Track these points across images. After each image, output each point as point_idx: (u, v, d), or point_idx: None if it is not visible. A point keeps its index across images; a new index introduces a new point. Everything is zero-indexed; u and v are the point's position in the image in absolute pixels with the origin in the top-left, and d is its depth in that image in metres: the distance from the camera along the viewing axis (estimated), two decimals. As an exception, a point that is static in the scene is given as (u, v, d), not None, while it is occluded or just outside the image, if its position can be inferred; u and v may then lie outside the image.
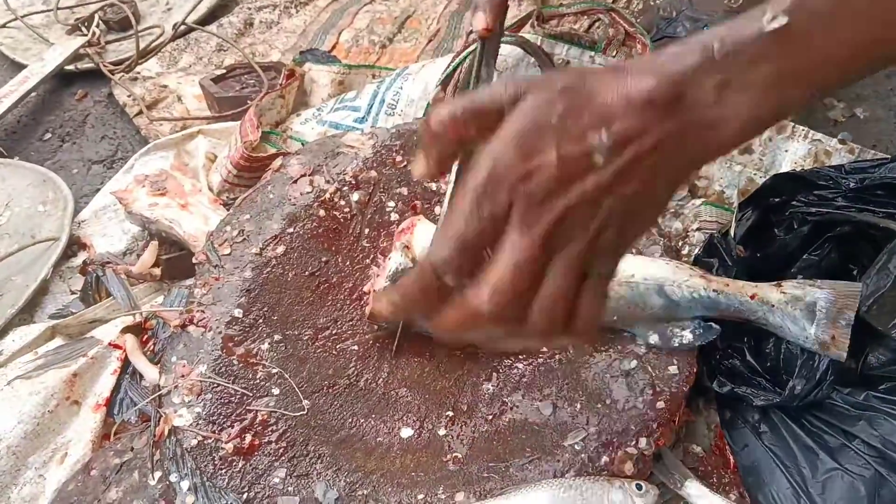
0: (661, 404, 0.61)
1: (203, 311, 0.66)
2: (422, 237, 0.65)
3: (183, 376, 0.62)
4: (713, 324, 0.62)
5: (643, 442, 0.59)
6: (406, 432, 0.63)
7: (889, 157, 0.70)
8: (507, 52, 0.84)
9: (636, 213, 0.46)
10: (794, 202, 0.70)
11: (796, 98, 0.46)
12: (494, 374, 0.66)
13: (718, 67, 0.43)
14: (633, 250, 0.67)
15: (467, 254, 0.43)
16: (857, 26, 0.44)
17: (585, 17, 0.93)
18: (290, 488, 0.59)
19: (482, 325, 0.45)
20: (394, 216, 0.73)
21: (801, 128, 0.81)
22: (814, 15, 0.44)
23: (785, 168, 0.79)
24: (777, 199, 0.71)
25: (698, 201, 0.79)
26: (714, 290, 0.60)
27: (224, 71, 1.02)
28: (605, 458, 0.59)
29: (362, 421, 0.64)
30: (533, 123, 0.44)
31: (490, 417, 0.64)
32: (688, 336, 0.62)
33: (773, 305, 0.59)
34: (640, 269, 0.63)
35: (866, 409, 0.57)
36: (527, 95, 0.44)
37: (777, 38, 0.44)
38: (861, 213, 0.67)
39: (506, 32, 0.82)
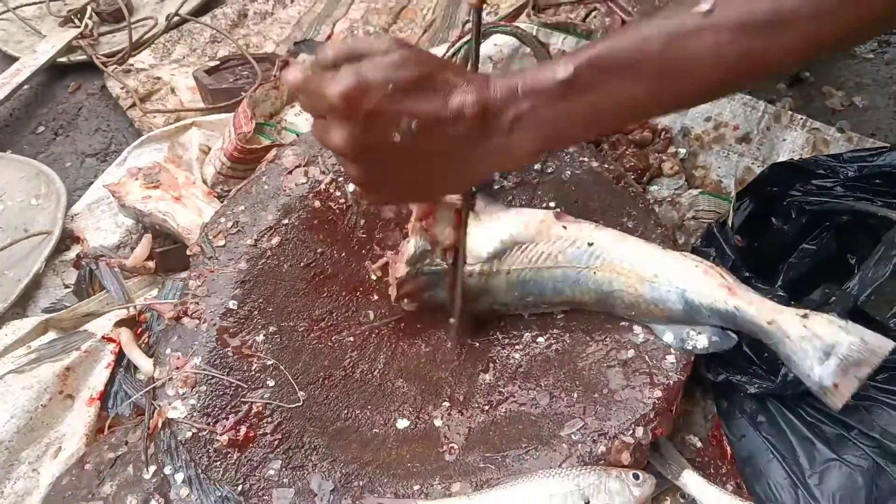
0: (658, 394, 0.60)
1: (197, 303, 0.65)
2: (443, 220, 0.65)
3: (177, 368, 0.62)
4: (731, 333, 0.60)
5: (640, 432, 0.59)
6: (402, 423, 0.63)
7: (888, 145, 0.70)
8: (503, 42, 0.84)
9: (421, 181, 0.54)
10: (792, 192, 0.69)
11: (575, 137, 0.58)
12: (491, 364, 0.66)
13: (517, 104, 0.52)
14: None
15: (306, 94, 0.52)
16: (637, 84, 0.51)
17: (582, 6, 0.92)
18: (285, 480, 0.58)
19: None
20: (388, 208, 0.73)
21: (800, 116, 0.80)
22: (598, 71, 0.52)
23: (783, 157, 0.79)
24: (775, 189, 0.70)
25: (695, 191, 0.79)
26: (735, 306, 0.57)
27: (218, 62, 1.01)
28: (602, 448, 0.59)
29: (358, 412, 0.63)
30: (371, 76, 0.50)
31: (487, 408, 0.64)
32: (703, 342, 0.60)
33: (788, 337, 0.55)
34: (665, 271, 0.61)
35: (864, 400, 0.56)
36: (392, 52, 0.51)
37: (564, 86, 0.52)
38: (859, 203, 0.67)
39: (501, 22, 0.81)
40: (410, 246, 0.63)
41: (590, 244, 0.63)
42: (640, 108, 0.54)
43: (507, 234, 0.64)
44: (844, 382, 0.53)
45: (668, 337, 0.62)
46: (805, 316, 0.55)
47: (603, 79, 0.51)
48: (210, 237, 0.69)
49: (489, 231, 0.64)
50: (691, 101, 0.58)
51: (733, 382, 0.61)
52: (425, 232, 0.63)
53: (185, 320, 0.64)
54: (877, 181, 0.67)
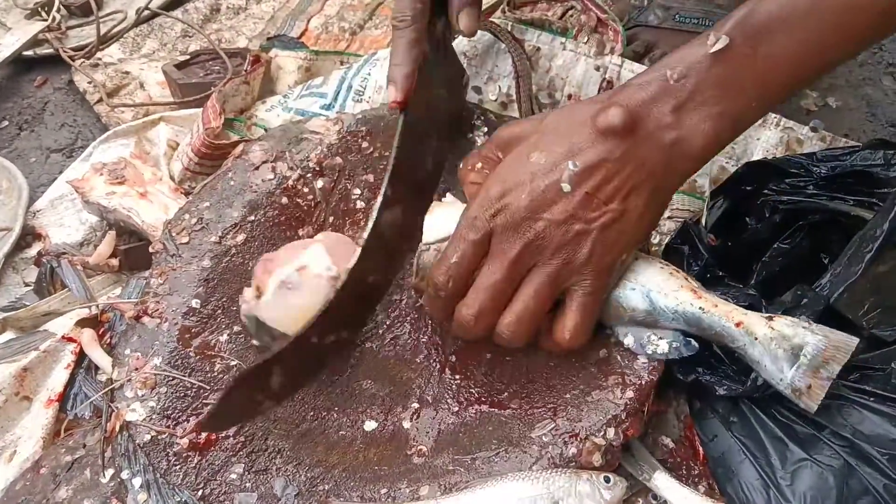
0: (630, 394, 0.60)
1: (159, 302, 0.63)
2: (436, 219, 0.63)
3: (136, 369, 0.60)
4: (692, 340, 0.59)
5: (611, 433, 0.58)
6: (370, 425, 0.62)
7: (860, 144, 0.70)
8: (478, 37, 0.83)
9: (614, 233, 0.53)
10: (765, 191, 0.69)
11: (749, 110, 0.53)
12: (462, 365, 0.65)
13: (673, 92, 0.50)
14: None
15: (453, 274, 0.55)
16: (795, 38, 0.50)
17: (559, 4, 0.92)
18: (247, 484, 0.57)
19: (474, 334, 0.57)
20: (360, 204, 0.71)
21: (774, 116, 0.80)
22: (753, 32, 0.51)
23: (757, 156, 0.79)
24: (749, 188, 0.70)
25: (670, 190, 0.78)
26: (700, 308, 0.57)
27: (188, 57, 0.99)
28: (573, 450, 0.58)
29: (324, 414, 0.62)
30: (510, 165, 0.54)
31: (457, 409, 0.62)
32: (663, 347, 0.59)
33: (756, 338, 0.54)
34: (631, 270, 0.60)
35: (836, 399, 0.56)
36: (516, 143, 0.55)
37: (721, 57, 0.50)
38: (832, 202, 0.67)
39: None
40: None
41: None
42: (807, 65, 0.50)
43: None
44: (816, 383, 0.53)
45: (629, 340, 0.61)
46: (770, 318, 0.55)
47: (761, 40, 0.48)
48: (173, 234, 0.67)
49: (450, 213, 0.62)
50: (857, 46, 0.53)
51: (703, 383, 0.60)
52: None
53: (146, 319, 0.62)
54: (849, 180, 0.67)
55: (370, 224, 0.58)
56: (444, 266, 0.55)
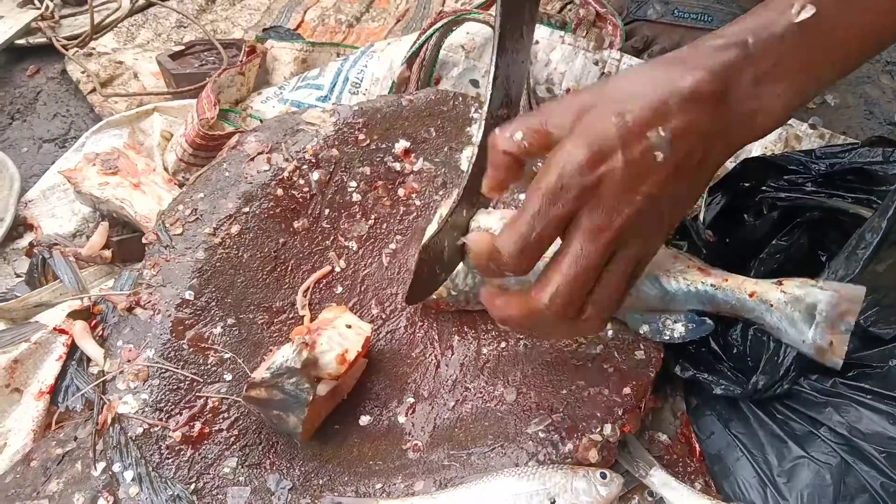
0: (627, 390, 0.59)
1: (152, 293, 0.62)
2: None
3: (129, 361, 0.59)
4: (707, 318, 0.58)
5: (608, 428, 0.58)
6: (364, 419, 0.61)
7: (859, 142, 0.69)
8: (476, 30, 0.82)
9: (682, 204, 0.49)
10: (763, 187, 0.69)
11: (825, 82, 0.50)
12: (457, 359, 0.64)
13: (754, 61, 0.46)
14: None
15: (530, 254, 0.47)
16: (873, 8, 0.46)
17: (557, -2, 0.91)
18: (241, 478, 0.56)
19: (539, 321, 0.49)
20: (356, 196, 0.71)
21: (772, 112, 0.79)
22: (834, 2, 0.46)
23: (755, 152, 0.78)
24: (747, 184, 0.70)
25: (668, 185, 0.78)
26: (712, 285, 0.56)
27: (183, 47, 0.98)
28: (569, 446, 0.57)
29: (319, 408, 0.61)
30: (596, 130, 0.46)
31: (452, 404, 0.62)
32: (680, 329, 0.59)
33: (771, 305, 0.55)
34: None
35: (833, 396, 0.56)
36: (588, 111, 0.47)
37: (806, 28, 0.46)
38: (831, 199, 0.67)
39: (474, 9, 0.80)
40: (279, 354, 0.54)
41: None
42: (886, 33, 0.48)
43: None
44: (837, 338, 0.54)
45: (645, 329, 0.60)
46: (779, 283, 0.55)
47: (843, 10, 0.45)
48: (167, 225, 0.66)
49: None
50: None
51: (701, 380, 0.60)
52: (306, 347, 0.54)
53: (139, 311, 0.61)
54: (848, 177, 0.66)
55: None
56: (518, 244, 0.46)
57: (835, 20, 0.46)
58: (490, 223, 0.60)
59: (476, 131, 0.55)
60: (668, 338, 0.59)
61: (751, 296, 0.56)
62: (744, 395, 0.58)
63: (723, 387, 0.59)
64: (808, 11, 0.45)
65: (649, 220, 0.47)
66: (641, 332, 0.60)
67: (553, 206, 0.46)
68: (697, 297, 0.57)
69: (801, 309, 0.54)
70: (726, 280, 0.57)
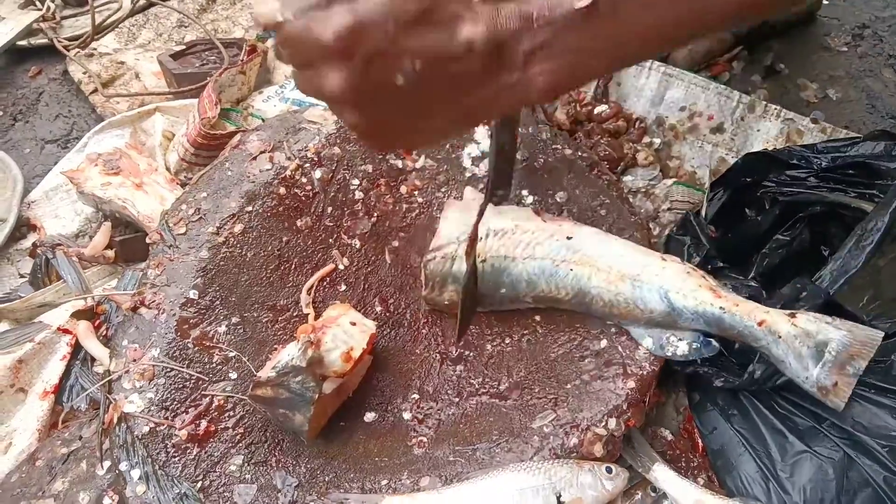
0: (631, 384, 0.59)
1: (156, 293, 0.63)
2: (451, 222, 0.61)
3: (134, 360, 0.59)
4: (713, 340, 0.57)
5: (613, 423, 0.58)
6: (370, 416, 0.61)
7: (861, 136, 0.69)
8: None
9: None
10: (765, 182, 0.69)
11: (597, 69, 0.50)
12: (462, 355, 0.64)
13: (531, 35, 0.46)
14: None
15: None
16: (654, 10, 0.46)
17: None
18: (247, 476, 0.56)
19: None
20: (358, 194, 0.71)
21: (774, 107, 0.80)
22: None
23: (757, 147, 0.78)
24: (749, 179, 0.70)
25: (669, 181, 0.78)
26: (721, 308, 0.55)
27: (184, 47, 0.98)
28: (574, 440, 0.57)
29: (324, 406, 0.61)
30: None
31: (457, 400, 0.62)
32: (683, 348, 0.58)
33: (780, 336, 0.53)
34: (647, 270, 0.59)
35: (836, 390, 0.55)
36: None
37: (584, 15, 0.46)
38: (833, 193, 0.67)
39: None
40: (285, 352, 0.55)
41: (569, 238, 0.61)
42: (667, 33, 0.48)
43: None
44: (843, 380, 0.52)
45: (648, 342, 0.59)
46: (792, 315, 0.53)
47: (630, 4, 0.45)
48: (170, 224, 0.66)
49: (463, 216, 0.61)
50: (721, 21, 0.50)
51: (700, 373, 0.60)
52: (311, 345, 0.55)
53: (143, 311, 0.62)
54: (850, 172, 0.66)
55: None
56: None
57: (616, 12, 0.45)
58: (502, 224, 0.60)
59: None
60: (670, 354, 0.58)
61: (760, 324, 0.54)
62: (743, 386, 0.58)
63: (722, 378, 0.59)
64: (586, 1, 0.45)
65: (368, 111, 0.44)
66: (644, 345, 0.60)
67: (305, 34, 0.42)
68: (705, 319, 0.56)
69: (811, 345, 0.52)
70: (737, 305, 0.55)
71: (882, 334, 0.51)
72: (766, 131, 0.79)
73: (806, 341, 0.52)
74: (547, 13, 0.46)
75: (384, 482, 0.57)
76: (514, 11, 0.47)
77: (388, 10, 0.43)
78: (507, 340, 0.64)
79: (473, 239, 0.55)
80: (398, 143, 0.56)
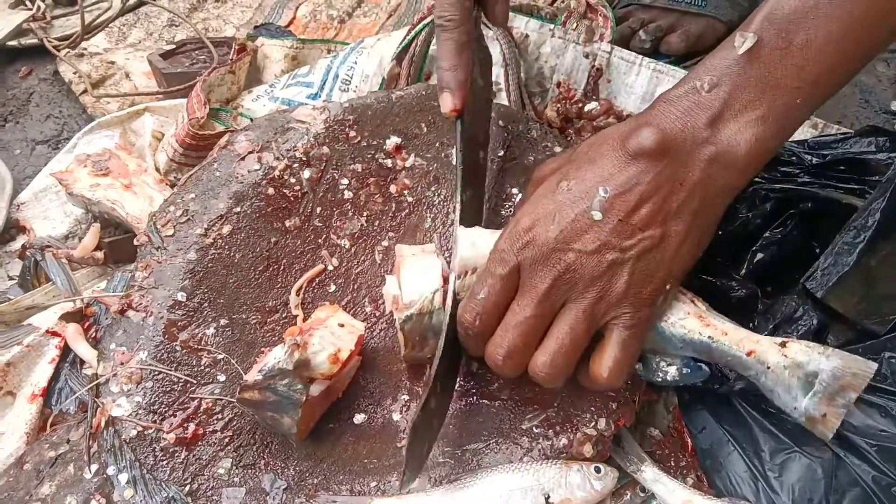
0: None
1: (144, 295, 0.62)
2: (412, 271, 0.59)
3: (122, 364, 0.59)
4: (703, 365, 0.56)
5: (603, 423, 0.58)
6: (359, 418, 0.61)
7: (852, 132, 0.69)
8: (466, 24, 0.81)
9: (653, 261, 0.50)
10: (756, 178, 0.68)
11: (793, 107, 0.48)
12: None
13: (706, 104, 0.46)
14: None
15: (480, 312, 0.51)
16: (828, 26, 0.45)
17: (549, -9, 0.90)
18: (235, 479, 0.56)
19: (507, 374, 0.53)
20: (347, 194, 0.70)
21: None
22: (784, 24, 0.46)
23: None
24: (740, 176, 0.69)
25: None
26: (709, 337, 0.53)
27: (174, 46, 0.98)
28: (563, 440, 0.57)
29: (313, 408, 0.61)
30: (539, 197, 0.50)
31: (446, 401, 0.62)
32: (673, 373, 0.56)
33: (769, 367, 0.51)
34: None
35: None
36: (551, 175, 0.52)
37: (753, 56, 0.46)
38: (824, 190, 0.66)
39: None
40: (271, 355, 0.54)
41: None
42: (847, 52, 0.46)
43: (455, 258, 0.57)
44: (832, 411, 0.50)
45: (638, 366, 0.57)
46: (783, 345, 0.52)
47: (793, 31, 0.44)
48: (158, 226, 0.66)
49: (421, 261, 0.58)
50: (892, 31, 0.48)
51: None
52: (298, 348, 0.54)
53: (131, 313, 0.61)
54: (841, 168, 0.66)
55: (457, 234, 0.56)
56: (472, 303, 0.52)
57: (783, 44, 0.45)
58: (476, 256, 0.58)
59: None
60: (659, 379, 0.57)
61: (749, 354, 0.52)
62: (724, 390, 0.58)
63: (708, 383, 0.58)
64: (751, 41, 0.45)
65: (590, 275, 0.48)
66: (634, 369, 0.58)
67: (497, 265, 0.50)
68: (693, 347, 0.54)
69: (800, 375, 0.50)
70: (725, 334, 0.53)
71: (875, 366, 0.50)
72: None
73: (796, 372, 0.50)
74: (710, 76, 0.46)
75: (373, 484, 0.57)
76: (670, 95, 0.47)
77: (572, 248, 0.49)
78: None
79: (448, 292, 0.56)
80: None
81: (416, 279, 0.56)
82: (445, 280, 0.57)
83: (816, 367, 0.50)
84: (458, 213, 0.59)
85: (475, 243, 0.56)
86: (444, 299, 0.56)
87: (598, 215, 0.48)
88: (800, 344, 0.51)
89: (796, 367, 0.51)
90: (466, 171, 0.60)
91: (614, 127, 0.50)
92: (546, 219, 0.49)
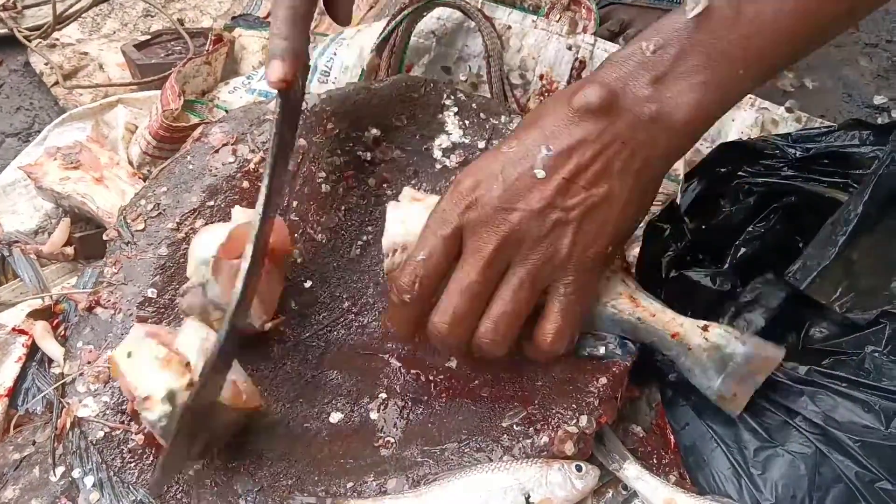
0: (603, 380, 0.58)
1: (112, 292, 0.61)
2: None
3: (89, 363, 0.57)
4: (629, 342, 0.58)
5: (584, 420, 0.57)
6: (335, 416, 0.60)
7: (835, 125, 0.68)
8: (446, 15, 0.80)
9: (597, 221, 0.49)
10: (740, 172, 0.68)
11: (736, 78, 0.48)
12: (430, 353, 0.63)
13: (650, 65, 0.46)
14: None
15: (419, 273, 0.49)
16: (783, 2, 0.45)
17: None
18: (206, 481, 0.55)
19: (449, 345, 0.52)
20: (325, 187, 0.69)
21: (749, 96, 0.79)
22: None
23: (731, 137, 0.77)
24: (723, 170, 0.69)
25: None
26: (638, 318, 0.56)
27: (148, 37, 0.96)
28: (544, 438, 0.56)
29: (288, 406, 0.60)
30: (482, 159, 0.49)
31: (425, 399, 0.61)
32: (601, 350, 0.58)
33: (690, 349, 0.55)
34: None
35: (808, 385, 0.55)
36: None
37: (701, 22, 0.45)
38: (808, 183, 0.66)
39: (444, -7, 0.78)
40: (152, 429, 0.50)
41: None
42: (796, 30, 0.46)
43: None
44: (741, 391, 0.54)
45: None
46: (705, 328, 0.55)
47: (742, 0, 0.44)
48: (128, 220, 0.64)
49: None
50: (850, 13, 0.49)
51: (658, 363, 0.60)
52: (146, 402, 0.48)
53: (99, 310, 0.60)
54: (824, 161, 0.66)
55: (254, 235, 0.51)
56: (411, 266, 0.50)
57: (732, 13, 0.45)
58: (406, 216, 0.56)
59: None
60: (587, 355, 0.58)
61: (673, 336, 0.55)
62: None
63: (676, 373, 0.58)
64: (701, 6, 0.45)
65: (534, 236, 0.47)
66: None
67: (438, 228, 0.49)
68: (621, 326, 0.57)
69: (716, 358, 0.54)
70: (653, 315, 0.56)
71: (783, 353, 0.53)
72: (741, 121, 0.78)
73: (713, 354, 0.54)
74: (662, 35, 0.46)
75: (349, 485, 0.55)
76: (621, 54, 0.47)
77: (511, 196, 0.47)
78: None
79: None
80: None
81: (200, 252, 0.54)
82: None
83: (732, 350, 0.54)
84: (262, 198, 0.54)
85: (404, 220, 0.54)
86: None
87: (541, 173, 0.47)
88: (720, 328, 0.54)
89: (714, 349, 0.54)
90: (277, 161, 0.56)
91: (561, 90, 0.50)
92: (489, 179, 0.48)
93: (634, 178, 0.48)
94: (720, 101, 0.48)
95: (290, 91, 0.56)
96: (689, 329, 0.55)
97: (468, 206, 0.48)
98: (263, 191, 0.54)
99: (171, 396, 0.48)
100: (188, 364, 0.49)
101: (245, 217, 0.56)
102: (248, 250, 0.50)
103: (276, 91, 0.56)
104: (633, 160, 0.48)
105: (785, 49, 0.48)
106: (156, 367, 0.49)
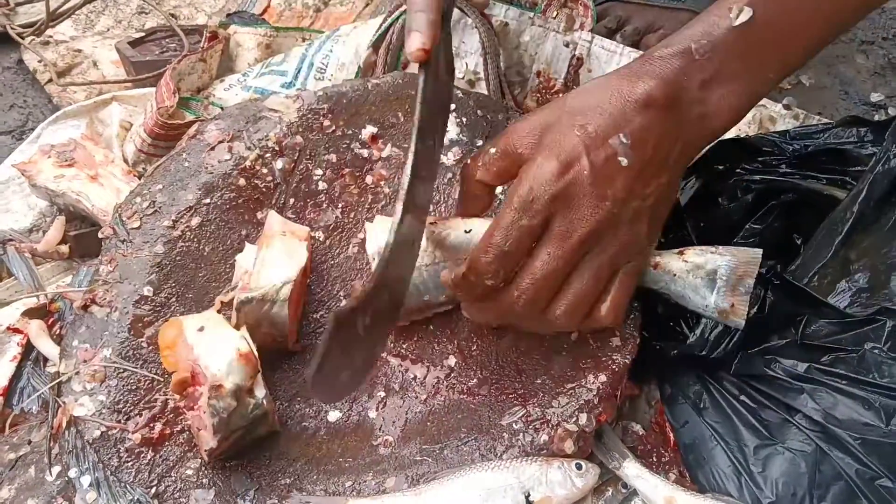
0: (602, 378, 0.58)
1: (108, 290, 0.60)
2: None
3: (85, 361, 0.57)
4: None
5: (584, 418, 0.57)
6: (334, 415, 0.59)
7: (833, 122, 0.69)
8: (444, 12, 0.80)
9: (662, 208, 0.53)
10: (737, 169, 0.68)
11: (771, 80, 0.53)
12: (429, 350, 0.62)
13: (699, 67, 0.49)
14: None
15: (505, 261, 0.50)
16: (816, 5, 0.49)
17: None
18: (204, 480, 0.54)
19: (511, 317, 0.54)
20: (322, 185, 0.68)
21: (746, 93, 0.78)
22: (775, 2, 0.49)
23: (729, 134, 0.77)
24: (721, 167, 0.69)
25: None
26: None
27: (143, 34, 0.95)
28: (544, 437, 0.56)
29: (286, 405, 0.59)
30: (561, 142, 0.50)
31: (424, 397, 0.60)
32: None
33: (675, 275, 0.56)
34: None
35: (808, 382, 0.55)
36: (551, 126, 0.51)
37: (745, 31, 0.49)
38: (805, 181, 0.66)
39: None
40: (208, 414, 0.50)
41: (467, 231, 0.58)
42: (823, 30, 0.51)
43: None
44: (738, 300, 0.55)
45: None
46: (681, 253, 0.56)
47: (780, 9, 0.48)
48: (124, 218, 0.64)
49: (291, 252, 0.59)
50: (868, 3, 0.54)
51: (657, 347, 0.60)
52: (218, 390, 0.50)
53: (95, 309, 0.59)
54: (822, 158, 0.66)
55: (402, 195, 0.50)
56: (494, 253, 0.50)
57: (771, 22, 0.49)
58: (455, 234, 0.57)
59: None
60: None
61: (655, 267, 0.56)
62: (694, 347, 0.59)
63: (673, 347, 0.60)
64: (746, 15, 0.48)
65: (619, 223, 0.50)
66: None
67: (525, 215, 0.49)
68: None
69: (702, 276, 0.55)
70: None
71: (760, 251, 0.55)
72: (720, 135, 0.78)
73: (698, 273, 0.56)
74: (706, 42, 0.49)
75: (348, 483, 0.55)
76: (671, 52, 0.49)
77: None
78: (476, 336, 0.62)
79: None
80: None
81: (274, 264, 0.57)
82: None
83: (714, 265, 0.55)
84: (408, 174, 0.51)
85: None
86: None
87: (625, 161, 0.49)
88: (694, 248, 0.56)
89: (697, 268, 0.56)
90: (423, 131, 0.53)
91: (608, 78, 0.52)
92: (577, 163, 0.49)
93: (679, 169, 0.53)
94: (749, 104, 0.52)
95: (433, 65, 0.54)
96: (667, 257, 0.57)
97: (558, 194, 0.49)
98: (407, 174, 0.51)
99: (237, 393, 0.50)
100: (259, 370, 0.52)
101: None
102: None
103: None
104: (682, 154, 0.51)
105: (808, 54, 0.53)
106: (232, 356, 0.51)
